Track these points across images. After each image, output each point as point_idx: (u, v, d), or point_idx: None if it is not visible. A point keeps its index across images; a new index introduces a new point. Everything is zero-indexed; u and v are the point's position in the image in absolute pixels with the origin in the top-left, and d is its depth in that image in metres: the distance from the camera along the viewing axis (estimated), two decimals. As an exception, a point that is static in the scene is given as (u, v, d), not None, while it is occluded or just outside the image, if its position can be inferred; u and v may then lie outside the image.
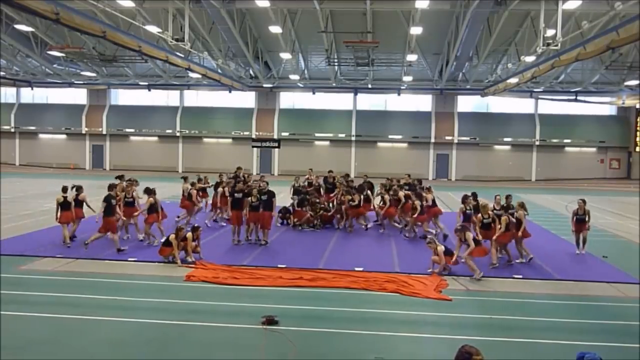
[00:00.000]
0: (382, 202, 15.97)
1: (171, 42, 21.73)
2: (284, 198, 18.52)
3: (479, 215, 12.22)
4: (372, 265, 11.59)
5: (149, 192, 13.33)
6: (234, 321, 8.06)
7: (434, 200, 15.07)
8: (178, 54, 26.20)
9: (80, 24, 16.66)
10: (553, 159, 40.52)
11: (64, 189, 13.22)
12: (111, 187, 12.87)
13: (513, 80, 28.96)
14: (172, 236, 11.54)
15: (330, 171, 18.71)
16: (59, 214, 12.91)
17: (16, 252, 12.04)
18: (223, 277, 10.33)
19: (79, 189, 13.35)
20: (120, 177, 15.00)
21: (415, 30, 24.58)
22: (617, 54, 28.36)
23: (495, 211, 12.34)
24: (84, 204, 13.34)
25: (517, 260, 12.02)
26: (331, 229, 16.12)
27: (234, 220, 13.76)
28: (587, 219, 13.03)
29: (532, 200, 24.49)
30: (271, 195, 13.67)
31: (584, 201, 13.08)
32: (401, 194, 15.08)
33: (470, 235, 10.69)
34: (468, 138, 40.16)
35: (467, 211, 12.97)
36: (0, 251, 12.02)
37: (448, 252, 10.92)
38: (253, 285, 9.92)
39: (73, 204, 13.08)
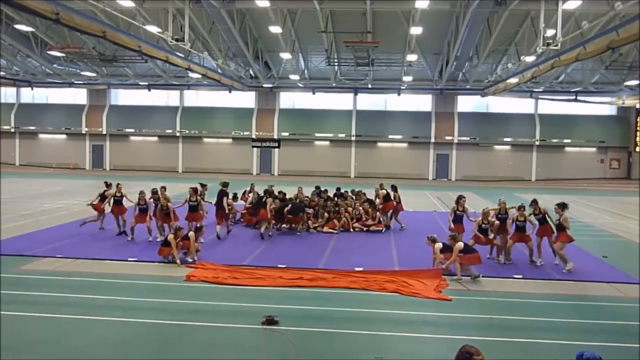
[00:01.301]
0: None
1: (171, 42, 21.70)
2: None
3: (479, 219, 12.22)
4: (372, 265, 11.57)
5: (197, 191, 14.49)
6: (234, 321, 8.06)
7: (385, 197, 16.06)
8: (178, 54, 26.19)
9: (80, 24, 16.65)
10: (553, 159, 40.51)
11: (110, 185, 14.93)
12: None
13: (513, 80, 28.95)
14: (171, 236, 11.56)
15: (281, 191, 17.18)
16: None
17: (16, 252, 12.04)
18: (223, 277, 10.33)
19: (117, 185, 14.91)
20: (204, 186, 16.34)
21: (415, 30, 24.57)
22: (617, 54, 28.36)
23: (501, 215, 12.30)
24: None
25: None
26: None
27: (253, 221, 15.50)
28: (527, 225, 11.95)
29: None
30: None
31: (526, 207, 12.01)
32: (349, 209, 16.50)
33: (459, 245, 10.65)
34: (468, 138, 40.15)
35: (458, 212, 12.96)
36: (0, 251, 12.02)
37: (446, 249, 10.95)
38: (253, 285, 9.93)
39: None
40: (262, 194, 15.33)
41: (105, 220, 15.16)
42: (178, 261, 11.37)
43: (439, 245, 11.02)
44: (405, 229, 16.32)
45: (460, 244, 10.72)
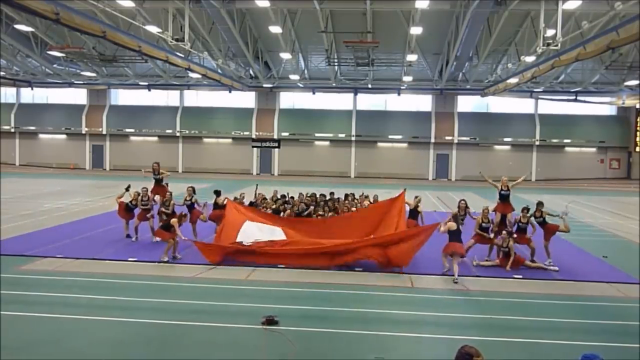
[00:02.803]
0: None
1: (171, 42, 21.71)
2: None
3: (479, 217, 12.23)
4: (373, 265, 11.58)
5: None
6: (234, 321, 8.07)
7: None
8: (178, 54, 26.19)
9: (80, 24, 16.66)
10: (553, 159, 40.51)
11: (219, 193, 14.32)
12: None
13: (513, 80, 28.95)
14: (174, 220, 11.66)
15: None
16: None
17: (16, 252, 12.04)
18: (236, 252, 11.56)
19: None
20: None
21: (415, 30, 24.57)
22: (617, 54, 28.35)
23: (503, 191, 12.96)
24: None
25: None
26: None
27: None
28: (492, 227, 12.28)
29: (532, 200, 24.41)
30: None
31: (530, 209, 12.35)
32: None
33: (451, 225, 10.93)
34: (468, 138, 40.15)
35: (459, 215, 12.95)
36: (0, 251, 12.02)
37: (412, 215, 12.88)
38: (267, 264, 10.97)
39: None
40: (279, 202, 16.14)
41: (113, 220, 15.13)
42: (181, 235, 11.60)
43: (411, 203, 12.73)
44: None
45: (454, 224, 10.98)
